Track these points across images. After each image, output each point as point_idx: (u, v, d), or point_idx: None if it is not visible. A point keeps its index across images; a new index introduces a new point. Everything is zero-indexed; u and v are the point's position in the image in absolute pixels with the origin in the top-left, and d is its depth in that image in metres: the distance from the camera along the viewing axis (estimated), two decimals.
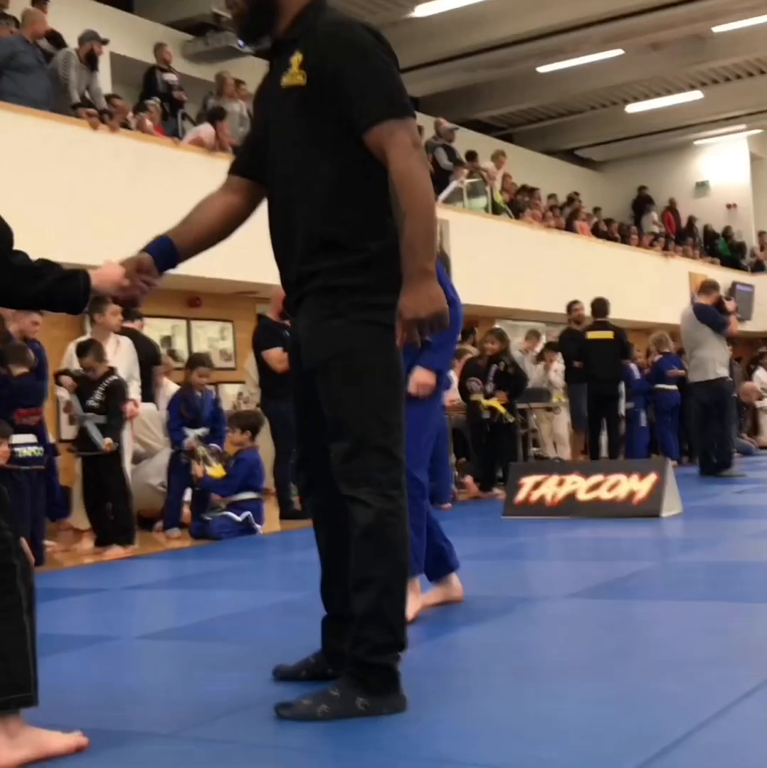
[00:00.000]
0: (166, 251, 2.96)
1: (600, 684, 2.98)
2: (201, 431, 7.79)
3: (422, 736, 2.56)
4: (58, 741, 2.55)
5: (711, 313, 10.33)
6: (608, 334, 11.38)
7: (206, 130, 11.27)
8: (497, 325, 15.72)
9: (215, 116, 11.60)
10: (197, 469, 7.61)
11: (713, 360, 10.27)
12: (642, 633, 3.79)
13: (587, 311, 12.02)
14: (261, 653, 3.64)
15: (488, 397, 9.75)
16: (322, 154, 2.78)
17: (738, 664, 3.11)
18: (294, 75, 2.80)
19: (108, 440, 6.90)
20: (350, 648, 2.78)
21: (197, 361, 8.15)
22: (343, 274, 2.77)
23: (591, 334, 11.41)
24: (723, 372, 10.34)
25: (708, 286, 10.64)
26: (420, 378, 4.05)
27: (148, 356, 8.56)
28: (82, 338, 7.74)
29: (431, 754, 2.43)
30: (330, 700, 2.71)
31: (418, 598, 4.11)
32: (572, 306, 12.29)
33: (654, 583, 4.82)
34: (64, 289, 2.70)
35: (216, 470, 7.63)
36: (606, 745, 2.41)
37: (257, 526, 7.59)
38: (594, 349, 11.29)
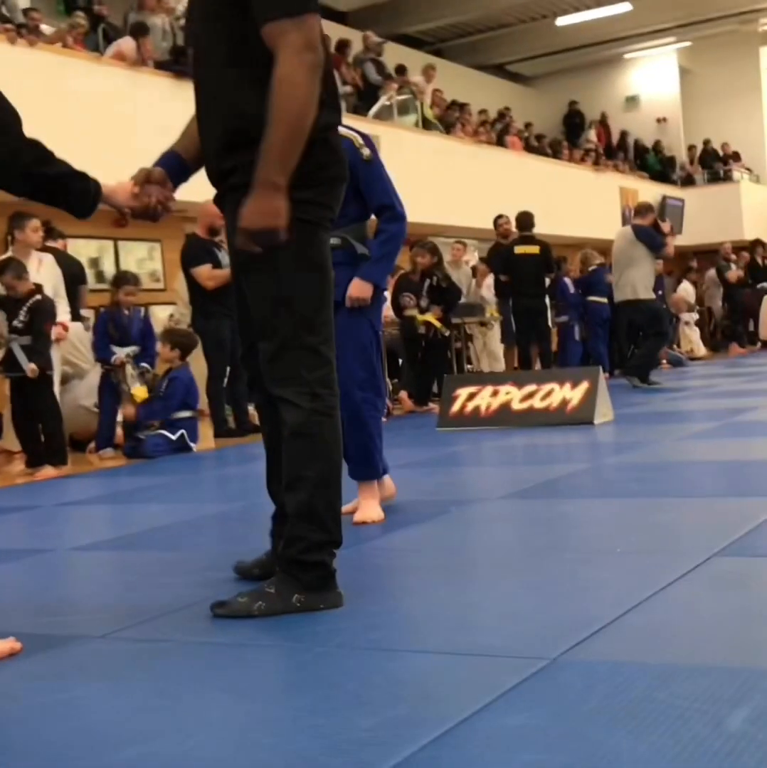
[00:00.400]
0: (176, 165, 2.90)
1: (533, 575, 3.02)
2: (130, 349, 7.69)
3: (359, 627, 2.58)
4: None
5: (650, 233, 10.42)
6: (534, 249, 11.39)
7: (126, 43, 10.98)
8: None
9: (137, 31, 11.30)
10: (128, 408, 7.53)
11: (640, 281, 10.36)
12: (574, 528, 3.84)
13: (513, 225, 11.99)
14: (196, 559, 3.65)
15: (422, 312, 9.74)
16: (232, 49, 2.68)
17: (666, 553, 3.17)
18: None
19: (32, 366, 6.71)
20: (283, 547, 2.78)
21: (123, 279, 7.99)
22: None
23: (518, 249, 11.40)
24: (648, 294, 10.46)
25: (644, 208, 10.75)
26: (354, 290, 3.95)
27: (74, 275, 8.40)
28: (2, 256, 7.56)
29: (368, 643, 2.44)
30: (266, 596, 2.72)
31: (377, 499, 4.16)
32: (497, 220, 12.21)
33: (586, 483, 4.88)
34: (77, 183, 2.65)
35: (140, 391, 7.55)
36: (540, 629, 2.44)
37: (192, 444, 7.55)
38: (520, 264, 11.30)
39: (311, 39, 2.55)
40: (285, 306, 2.70)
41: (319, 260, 2.76)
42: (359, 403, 4.02)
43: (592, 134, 22.27)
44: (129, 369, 7.60)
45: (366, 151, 3.93)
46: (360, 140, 3.95)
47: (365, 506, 4.11)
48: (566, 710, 1.91)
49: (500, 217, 12.12)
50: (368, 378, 4.06)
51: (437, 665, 2.24)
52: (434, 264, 9.76)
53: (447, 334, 9.92)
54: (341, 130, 3.89)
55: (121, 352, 7.62)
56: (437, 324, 9.67)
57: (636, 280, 10.33)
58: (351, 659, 2.33)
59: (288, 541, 2.76)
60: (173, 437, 7.44)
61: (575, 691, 2.01)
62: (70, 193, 2.65)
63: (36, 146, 2.62)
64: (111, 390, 7.67)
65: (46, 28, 10.73)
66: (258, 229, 2.56)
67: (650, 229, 10.47)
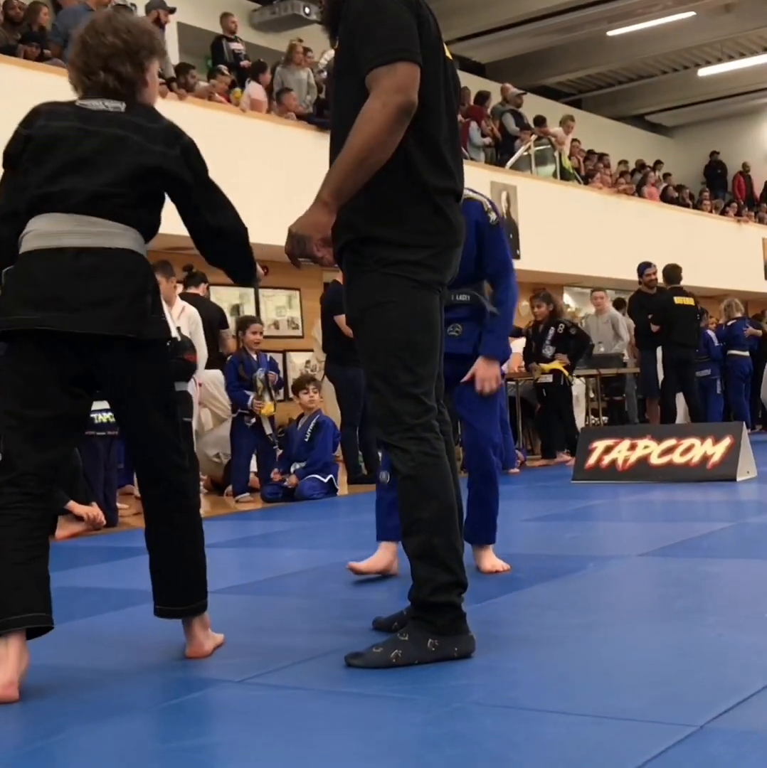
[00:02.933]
0: None
1: (676, 636, 2.93)
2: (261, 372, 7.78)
3: (496, 683, 2.53)
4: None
5: None
6: (690, 300, 11.19)
7: (254, 89, 11.22)
8: (565, 292, 15.60)
9: (257, 70, 11.54)
10: (257, 404, 7.66)
11: None
12: (718, 590, 3.71)
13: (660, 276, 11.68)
14: (330, 607, 3.65)
15: (547, 360, 9.60)
16: (352, 109, 2.72)
17: None
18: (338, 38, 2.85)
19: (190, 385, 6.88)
20: (413, 591, 2.79)
21: (248, 321, 8.08)
22: (370, 227, 2.75)
23: (677, 299, 11.14)
24: None
25: None
26: (482, 372, 3.97)
27: (215, 320, 8.53)
28: None
29: (506, 701, 2.39)
30: (401, 645, 2.71)
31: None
32: (645, 270, 11.76)
33: (730, 543, 4.73)
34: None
35: (267, 408, 7.63)
36: (685, 695, 2.35)
37: (338, 487, 7.67)
38: (678, 314, 11.04)
39: (399, 84, 2.64)
40: (391, 360, 2.79)
41: (425, 318, 2.82)
42: (495, 467, 4.11)
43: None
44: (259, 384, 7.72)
45: (493, 216, 4.04)
46: (489, 205, 4.06)
47: (488, 557, 4.12)
48: None
49: (648, 266, 11.72)
50: (500, 442, 4.15)
51: (579, 727, 2.17)
52: (552, 312, 9.67)
53: (572, 383, 9.75)
54: (471, 193, 3.93)
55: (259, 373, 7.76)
56: (565, 371, 9.52)
57: None
58: (490, 717, 2.28)
59: (416, 584, 2.77)
60: (324, 480, 7.55)
61: (724, 762, 1.93)
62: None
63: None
64: (245, 434, 7.74)
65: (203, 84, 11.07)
66: (294, 233, 2.67)
67: None
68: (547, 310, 9.66)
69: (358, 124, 2.63)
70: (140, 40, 2.90)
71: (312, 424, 7.70)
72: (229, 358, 8.17)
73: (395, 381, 2.78)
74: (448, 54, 2.94)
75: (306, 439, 7.67)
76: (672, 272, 11.33)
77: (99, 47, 2.86)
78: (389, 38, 2.66)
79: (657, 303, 11.18)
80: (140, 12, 10.64)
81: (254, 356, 7.90)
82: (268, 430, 7.75)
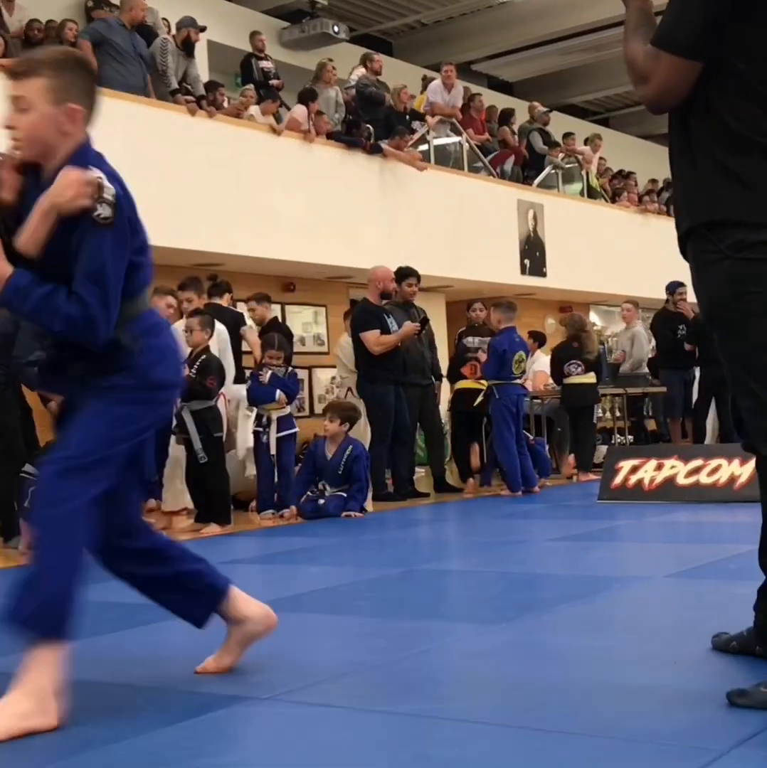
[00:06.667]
0: None
1: (704, 661, 2.93)
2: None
3: (521, 704, 2.52)
4: None
5: None
6: None
7: (298, 110, 11.27)
8: (591, 311, 15.54)
9: (307, 97, 11.59)
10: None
11: None
12: (746, 613, 3.66)
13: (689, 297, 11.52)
14: (357, 624, 3.65)
15: None
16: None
17: None
18: None
19: (201, 456, 6.93)
20: None
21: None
22: (716, 207, 2.50)
23: None
24: None
25: None
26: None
27: (237, 322, 8.39)
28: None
29: (530, 722, 2.38)
30: None
31: None
32: (677, 289, 11.54)
33: (757, 565, 4.69)
34: None
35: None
36: (711, 719, 2.35)
37: (364, 505, 7.69)
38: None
39: (657, 71, 2.57)
40: (764, 358, 2.47)
41: None
42: None
43: None
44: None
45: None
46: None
47: None
48: None
49: (680, 285, 11.51)
50: None
51: (605, 750, 2.17)
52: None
53: None
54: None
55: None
56: None
57: None
58: (514, 737, 2.28)
59: None
60: (346, 496, 7.58)
61: None
62: None
63: None
64: (265, 451, 7.72)
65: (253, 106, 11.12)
66: None
67: None
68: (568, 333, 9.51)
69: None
70: None
71: (346, 455, 7.66)
72: (249, 374, 8.13)
73: (761, 384, 2.46)
74: None
75: (340, 472, 7.67)
76: None
77: None
78: (673, 24, 2.48)
79: (692, 321, 11.04)
80: (172, 30, 10.73)
81: (269, 374, 7.82)
82: (272, 450, 7.71)
